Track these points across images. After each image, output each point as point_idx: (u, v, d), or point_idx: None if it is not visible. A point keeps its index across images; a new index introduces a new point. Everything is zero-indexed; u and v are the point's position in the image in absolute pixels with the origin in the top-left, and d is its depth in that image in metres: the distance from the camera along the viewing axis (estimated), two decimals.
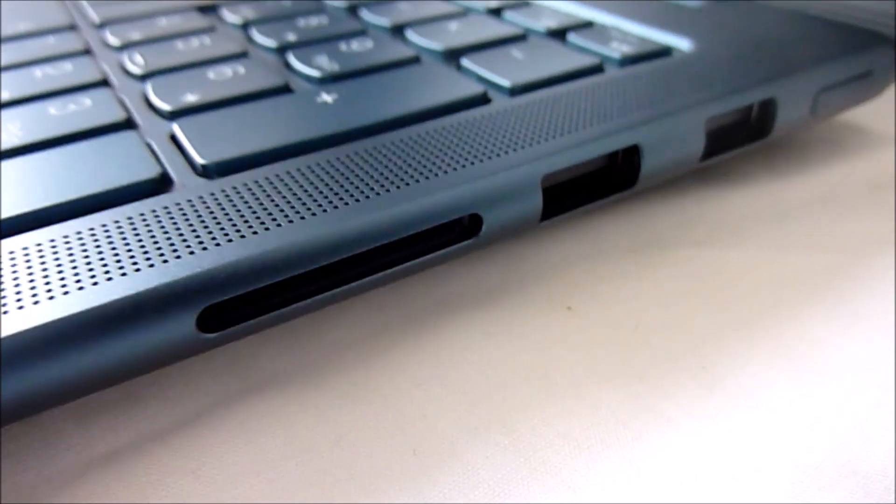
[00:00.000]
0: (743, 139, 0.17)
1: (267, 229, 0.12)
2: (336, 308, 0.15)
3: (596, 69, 0.18)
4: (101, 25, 0.22)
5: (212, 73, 0.18)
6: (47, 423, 0.12)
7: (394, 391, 0.13)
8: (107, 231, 0.12)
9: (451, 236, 0.13)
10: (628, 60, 0.18)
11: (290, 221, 0.12)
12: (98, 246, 0.12)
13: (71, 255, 0.11)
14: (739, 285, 0.16)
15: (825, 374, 0.13)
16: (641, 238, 0.17)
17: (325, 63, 0.18)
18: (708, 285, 0.16)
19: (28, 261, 0.11)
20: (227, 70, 0.18)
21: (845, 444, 0.12)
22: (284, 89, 0.17)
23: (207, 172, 0.14)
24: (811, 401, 0.13)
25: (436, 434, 0.12)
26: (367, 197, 0.13)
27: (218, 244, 0.12)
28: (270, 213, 0.12)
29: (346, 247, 0.12)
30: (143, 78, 0.18)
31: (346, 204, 0.12)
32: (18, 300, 0.10)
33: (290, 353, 0.14)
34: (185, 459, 0.12)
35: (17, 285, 0.11)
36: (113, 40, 0.20)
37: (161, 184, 0.13)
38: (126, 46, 0.20)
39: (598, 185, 0.15)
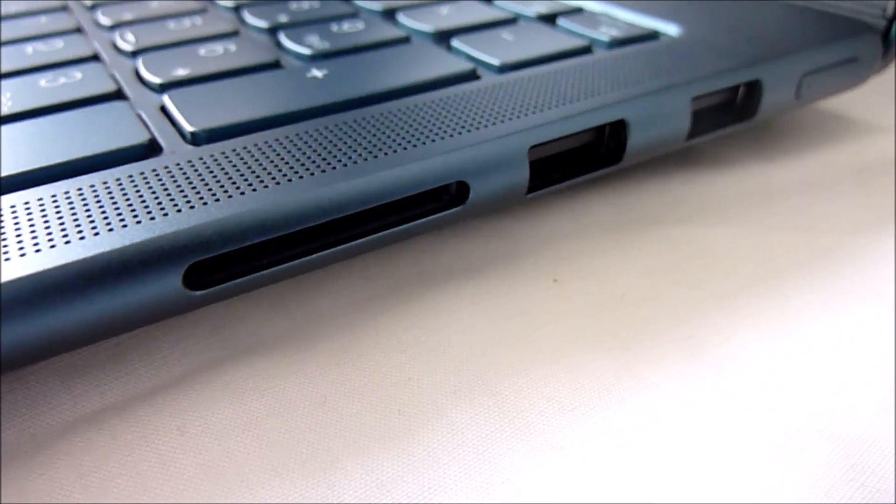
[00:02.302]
0: (729, 120, 0.18)
1: (254, 190, 0.12)
2: (326, 277, 0.15)
3: (584, 50, 0.18)
4: (93, 7, 0.22)
5: (202, 50, 0.18)
6: (33, 383, 0.12)
7: (380, 356, 0.13)
8: (94, 191, 0.12)
9: (438, 204, 0.14)
10: (617, 43, 0.19)
11: (278, 183, 0.12)
12: (86, 204, 0.12)
13: (59, 212, 0.11)
14: (724, 261, 0.16)
15: (807, 344, 0.13)
16: (628, 215, 0.17)
17: (315, 42, 0.18)
18: (693, 261, 0.16)
19: (15, 217, 0.11)
20: (218, 47, 0.18)
21: (825, 409, 0.12)
22: (275, 65, 0.17)
23: (196, 139, 0.14)
24: (793, 368, 0.13)
25: (421, 396, 0.12)
26: (355, 162, 0.13)
27: (205, 203, 0.12)
28: (258, 176, 0.12)
29: (333, 209, 0.12)
30: (135, 54, 0.18)
31: (334, 168, 0.13)
32: (5, 252, 0.10)
33: (279, 319, 0.14)
34: (169, 417, 0.12)
35: (3, 239, 0.11)
36: (104, 20, 0.20)
37: (150, 149, 0.13)
38: (117, 26, 0.20)
39: (585, 160, 0.16)
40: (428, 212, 0.13)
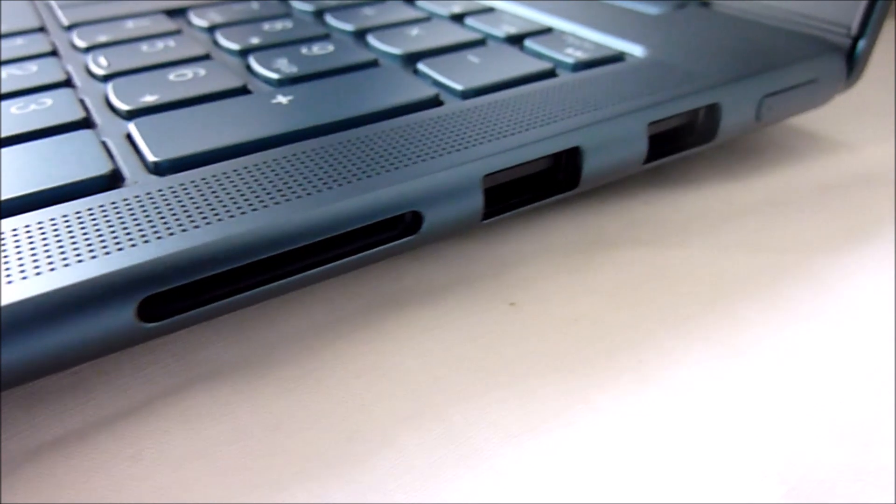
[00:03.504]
0: (688, 143, 0.18)
1: (208, 223, 0.12)
2: (287, 302, 0.15)
3: (549, 74, 0.19)
4: (70, 28, 0.22)
5: (172, 75, 0.18)
6: None
7: (335, 381, 0.13)
8: (54, 225, 0.12)
9: (392, 233, 0.14)
10: (581, 65, 0.19)
11: (232, 216, 0.12)
12: (45, 239, 0.12)
13: (18, 246, 0.12)
14: (681, 283, 0.16)
15: (758, 370, 0.14)
16: (588, 237, 0.18)
17: (284, 66, 0.19)
18: (650, 283, 0.16)
19: None
20: (187, 72, 0.18)
21: (770, 439, 0.12)
22: (242, 90, 0.17)
23: (159, 169, 0.14)
24: (742, 394, 0.13)
25: (371, 422, 0.12)
26: (309, 193, 0.13)
27: (159, 237, 0.12)
28: (213, 209, 0.13)
29: (285, 241, 0.12)
30: (106, 79, 0.18)
31: (288, 200, 0.13)
32: None
33: (239, 344, 0.14)
34: (127, 445, 0.12)
35: None
36: (80, 42, 0.21)
37: (112, 180, 0.14)
38: (92, 48, 0.20)
39: (542, 185, 0.16)
40: (382, 241, 0.14)
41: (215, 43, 0.21)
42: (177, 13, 0.24)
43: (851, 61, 0.20)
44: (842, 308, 0.15)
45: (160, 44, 0.20)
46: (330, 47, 0.20)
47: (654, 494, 0.11)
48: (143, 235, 0.12)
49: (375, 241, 0.14)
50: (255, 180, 0.14)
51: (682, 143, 0.18)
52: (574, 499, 0.11)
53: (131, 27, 0.22)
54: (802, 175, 0.20)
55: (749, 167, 0.21)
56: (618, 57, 0.20)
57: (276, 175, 0.14)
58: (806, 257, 0.17)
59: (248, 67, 0.19)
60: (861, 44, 0.20)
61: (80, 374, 0.13)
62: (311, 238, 0.13)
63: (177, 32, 0.22)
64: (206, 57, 0.20)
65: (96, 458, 0.12)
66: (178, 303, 0.12)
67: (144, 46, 0.20)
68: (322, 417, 0.13)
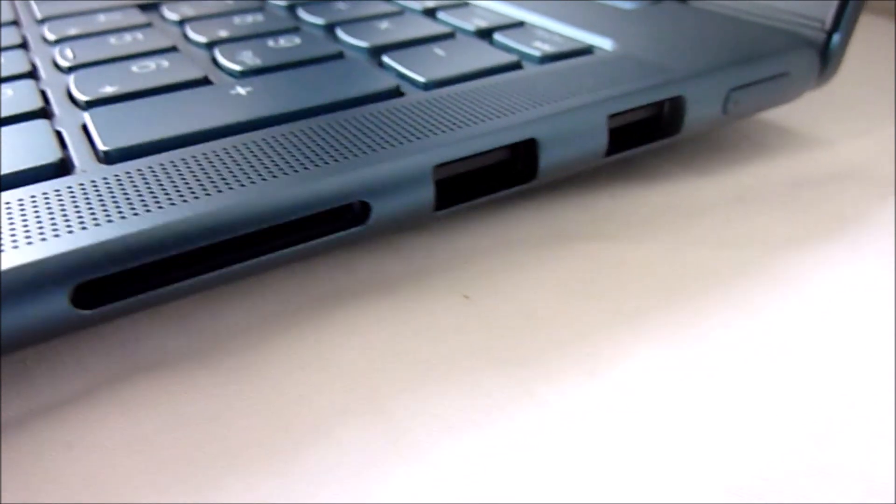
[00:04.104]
0: (652, 136, 0.18)
1: (148, 211, 0.12)
2: (236, 293, 0.15)
3: (514, 66, 0.18)
4: (43, 21, 0.22)
5: (135, 67, 0.18)
6: None
7: (279, 372, 0.13)
8: None
9: (340, 223, 0.14)
10: (548, 58, 0.19)
11: (173, 204, 0.12)
12: None
13: None
14: (639, 278, 0.16)
15: (708, 366, 0.13)
16: (550, 231, 0.17)
17: (248, 58, 0.18)
18: (609, 278, 0.16)
19: None
20: (151, 64, 0.18)
21: (718, 437, 0.12)
22: (203, 82, 0.17)
23: (108, 158, 0.14)
24: (690, 391, 0.13)
25: (310, 414, 0.12)
26: (253, 182, 0.13)
27: (97, 224, 0.12)
28: (155, 197, 0.13)
29: (224, 229, 0.12)
30: (70, 70, 0.18)
31: (231, 189, 0.13)
32: None
33: (185, 334, 0.14)
34: (62, 433, 0.12)
35: None
36: (49, 35, 0.21)
37: (61, 168, 0.14)
38: (60, 41, 0.20)
39: (500, 177, 0.16)
40: (328, 231, 0.14)
41: (184, 36, 0.21)
42: (150, 7, 0.24)
43: (826, 56, 0.20)
44: (800, 305, 0.15)
45: (128, 37, 0.20)
46: (297, 40, 0.20)
47: (593, 491, 0.11)
48: (82, 223, 0.12)
49: (321, 232, 0.14)
50: (202, 169, 0.13)
51: (647, 137, 0.18)
52: (511, 494, 0.11)
53: (102, 20, 0.22)
54: (774, 171, 0.20)
55: (720, 162, 0.21)
56: (586, 50, 0.19)
57: (223, 164, 0.14)
58: (769, 254, 0.17)
59: (213, 60, 0.19)
60: (835, 38, 0.20)
61: (21, 363, 0.13)
62: (251, 227, 0.13)
63: (147, 26, 0.22)
64: (173, 49, 0.20)
65: (32, 446, 0.12)
66: (118, 290, 0.12)
67: (113, 39, 0.20)
68: (261, 409, 0.12)
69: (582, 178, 0.19)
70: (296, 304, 0.15)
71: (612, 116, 0.16)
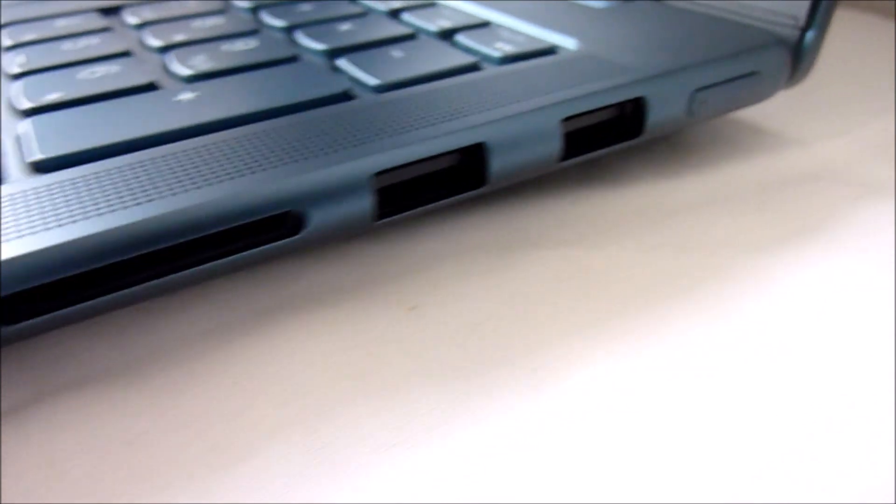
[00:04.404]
0: (613, 138, 0.17)
1: (74, 222, 0.12)
2: (175, 306, 0.15)
3: (472, 68, 0.18)
4: (3, 26, 0.22)
5: (84, 73, 0.18)
6: None
7: (209, 389, 0.13)
8: None
9: (275, 234, 0.13)
10: (508, 59, 0.18)
11: (100, 214, 0.12)
12: None
13: None
14: (598, 286, 0.15)
15: (664, 379, 0.13)
16: (509, 237, 0.17)
17: (200, 62, 0.18)
18: (566, 286, 0.15)
19: None
20: (100, 69, 0.18)
21: (664, 452, 0.11)
22: (149, 87, 0.17)
23: (40, 168, 0.14)
24: (640, 405, 0.12)
25: (237, 432, 0.12)
26: (186, 191, 0.13)
27: (20, 236, 0.12)
28: (83, 207, 0.12)
29: (153, 240, 0.12)
30: (19, 77, 0.18)
31: (161, 198, 0.12)
32: None
33: (118, 349, 0.14)
34: None
35: None
36: (6, 41, 0.20)
37: None
38: (16, 46, 0.20)
39: (447, 183, 0.15)
40: (262, 241, 0.13)
41: (141, 41, 0.21)
42: (112, 11, 0.23)
43: (799, 54, 0.20)
44: (766, 312, 0.14)
45: (83, 42, 0.20)
46: (254, 43, 0.19)
47: None
48: (5, 235, 0.12)
49: (255, 242, 0.13)
50: (133, 179, 0.13)
51: (606, 140, 0.17)
52: None
53: (61, 25, 0.21)
54: (746, 172, 0.20)
55: (691, 164, 0.20)
56: (549, 50, 0.19)
57: (156, 173, 0.13)
58: (734, 259, 0.16)
59: (165, 64, 0.19)
60: (809, 35, 0.19)
61: None
62: (178, 238, 0.12)
63: (105, 30, 0.21)
64: (125, 54, 0.19)
65: None
66: (42, 305, 0.12)
67: (68, 44, 0.20)
68: (188, 426, 0.12)
69: (544, 181, 0.19)
70: (235, 317, 0.14)
71: (568, 119, 0.16)
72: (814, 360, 0.13)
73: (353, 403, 0.12)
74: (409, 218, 0.15)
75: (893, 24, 0.31)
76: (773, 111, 0.22)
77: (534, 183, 0.18)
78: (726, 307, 0.15)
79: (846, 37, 0.26)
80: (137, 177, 0.13)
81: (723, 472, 0.11)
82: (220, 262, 0.13)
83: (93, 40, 0.20)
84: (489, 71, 0.18)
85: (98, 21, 0.22)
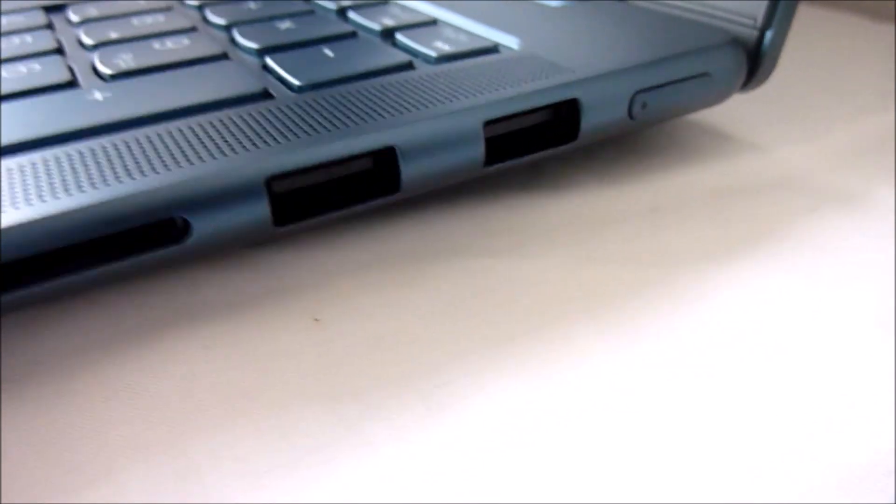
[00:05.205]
0: (545, 143, 0.16)
1: None
2: (64, 314, 0.14)
3: (404, 67, 0.17)
4: None
5: (6, 71, 0.17)
6: None
7: (79, 405, 0.12)
8: None
9: (160, 241, 0.13)
10: (444, 59, 0.17)
11: None
12: None
13: None
14: (520, 299, 0.14)
15: (576, 402, 0.12)
16: (431, 246, 0.16)
17: (123, 61, 0.17)
18: (487, 299, 0.15)
19: None
20: (23, 68, 0.17)
21: (567, 486, 0.11)
22: (68, 85, 0.16)
23: None
24: (546, 431, 0.11)
25: (99, 453, 0.11)
26: (70, 195, 0.12)
27: None
28: None
29: (29, 246, 0.11)
30: None
31: (42, 201, 0.12)
32: None
33: None
34: None
35: None
36: None
37: None
38: None
39: (360, 189, 0.14)
40: (141, 250, 0.12)
41: (77, 38, 0.20)
42: (56, 9, 0.23)
43: (757, 56, 0.19)
44: (695, 330, 0.13)
45: (17, 39, 0.19)
46: (186, 41, 0.19)
47: None
48: None
49: (138, 250, 0.12)
50: (21, 180, 0.12)
51: (537, 144, 0.16)
52: None
53: (5, 23, 0.21)
54: (697, 179, 0.19)
55: (639, 169, 0.19)
56: (489, 49, 0.18)
57: (43, 175, 0.12)
58: (674, 272, 0.15)
59: (91, 62, 0.18)
60: (768, 36, 0.18)
61: None
62: (54, 244, 0.11)
63: (44, 27, 0.21)
64: (56, 52, 0.19)
65: None
66: None
67: (3, 43, 0.19)
68: (50, 445, 0.11)
69: (478, 188, 0.18)
70: (125, 328, 0.14)
71: (492, 123, 0.15)
72: (747, 382, 0.12)
73: (233, 424, 0.12)
74: (321, 225, 0.15)
75: (871, 25, 0.30)
76: (734, 115, 0.21)
77: (467, 189, 0.18)
78: (654, 328, 0.14)
79: (819, 37, 0.25)
80: (24, 179, 0.12)
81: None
82: (100, 269, 0.12)
83: (26, 38, 0.20)
84: (421, 70, 0.17)
85: (40, 18, 0.21)
